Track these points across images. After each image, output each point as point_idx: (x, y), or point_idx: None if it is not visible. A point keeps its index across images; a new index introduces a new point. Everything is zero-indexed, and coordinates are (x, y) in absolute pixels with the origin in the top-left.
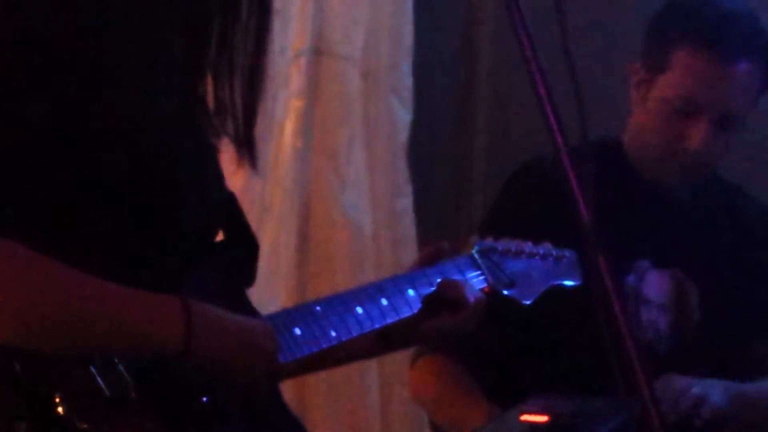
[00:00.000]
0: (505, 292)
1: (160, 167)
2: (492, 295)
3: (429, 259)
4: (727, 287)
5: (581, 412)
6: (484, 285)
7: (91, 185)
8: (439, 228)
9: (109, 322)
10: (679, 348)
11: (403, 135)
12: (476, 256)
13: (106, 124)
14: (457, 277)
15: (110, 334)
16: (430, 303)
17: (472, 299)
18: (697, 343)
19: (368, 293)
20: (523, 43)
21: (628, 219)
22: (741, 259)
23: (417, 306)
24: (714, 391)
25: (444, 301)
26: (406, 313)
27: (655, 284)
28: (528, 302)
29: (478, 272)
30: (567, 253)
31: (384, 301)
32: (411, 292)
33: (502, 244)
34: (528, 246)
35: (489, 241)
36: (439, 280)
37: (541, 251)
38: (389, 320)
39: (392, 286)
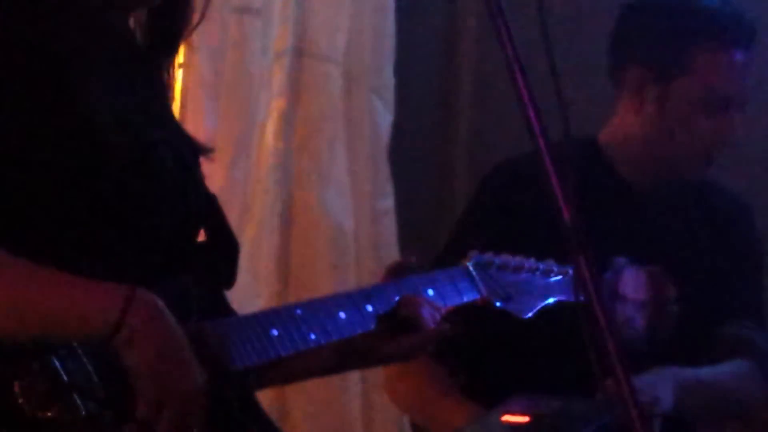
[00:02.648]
0: (498, 304)
1: (135, 169)
2: (485, 307)
3: (395, 273)
4: (705, 283)
5: (563, 413)
6: (476, 296)
7: (64, 189)
8: (420, 229)
9: (41, 301)
10: (655, 345)
11: (384, 136)
12: (471, 268)
13: (72, 127)
14: (447, 287)
15: (43, 311)
16: (386, 322)
17: (429, 318)
18: (674, 339)
19: (353, 299)
20: (505, 44)
21: (605, 216)
22: (717, 254)
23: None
24: (662, 387)
25: (399, 319)
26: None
27: (632, 281)
28: (526, 316)
29: (471, 284)
30: (570, 269)
31: (369, 308)
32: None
33: (500, 258)
34: (528, 261)
35: (488, 255)
36: (430, 289)
37: (542, 267)
38: (372, 327)
39: (378, 293)
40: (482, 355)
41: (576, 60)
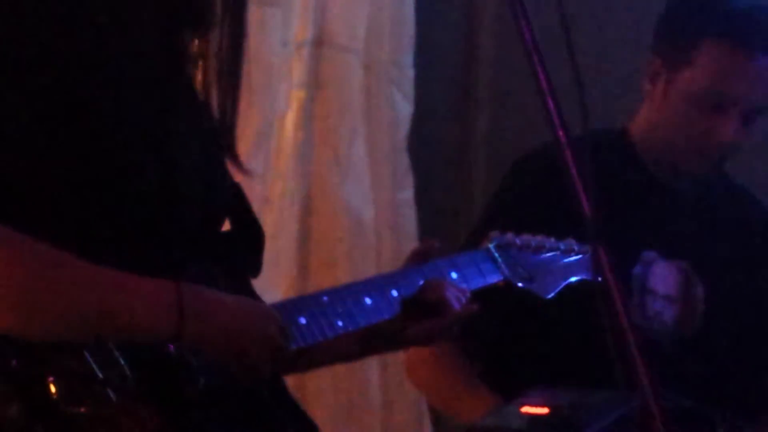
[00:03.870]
0: (521, 285)
1: (158, 159)
2: (507, 288)
3: (418, 258)
4: (729, 284)
5: (581, 405)
6: (500, 278)
7: (87, 178)
8: (440, 219)
9: (99, 308)
10: (681, 340)
11: (404, 127)
12: (493, 249)
13: (96, 117)
14: (471, 270)
15: (100, 321)
16: (411, 306)
17: (453, 301)
18: (699, 336)
19: (378, 284)
20: (524, 35)
21: (635, 210)
22: (743, 259)
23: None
24: None
25: (424, 303)
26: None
27: (661, 275)
28: (548, 296)
29: (494, 265)
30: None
31: (394, 293)
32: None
33: (522, 239)
34: (549, 241)
35: (509, 236)
36: (453, 272)
37: (562, 246)
38: (398, 311)
39: (403, 278)
40: (501, 342)
41: (596, 50)
